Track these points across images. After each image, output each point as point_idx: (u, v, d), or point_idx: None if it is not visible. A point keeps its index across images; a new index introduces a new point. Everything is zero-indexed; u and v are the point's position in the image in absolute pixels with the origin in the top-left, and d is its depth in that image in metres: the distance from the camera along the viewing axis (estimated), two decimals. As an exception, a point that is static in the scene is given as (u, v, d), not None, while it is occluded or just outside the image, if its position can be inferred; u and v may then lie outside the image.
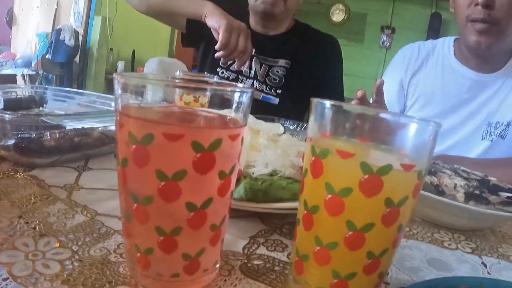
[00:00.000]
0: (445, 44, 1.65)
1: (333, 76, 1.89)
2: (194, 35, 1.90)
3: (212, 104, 0.45)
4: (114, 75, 0.42)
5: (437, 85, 1.60)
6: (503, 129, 1.51)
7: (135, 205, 0.42)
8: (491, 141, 1.52)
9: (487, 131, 1.53)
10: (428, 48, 1.68)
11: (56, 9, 5.83)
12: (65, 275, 0.45)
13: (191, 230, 0.42)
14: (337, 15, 6.48)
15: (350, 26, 6.39)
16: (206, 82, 0.50)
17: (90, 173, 0.81)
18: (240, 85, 0.45)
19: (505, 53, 1.51)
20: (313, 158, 0.44)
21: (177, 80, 0.46)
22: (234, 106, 0.44)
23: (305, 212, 0.46)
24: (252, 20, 1.91)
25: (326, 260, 0.44)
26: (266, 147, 0.74)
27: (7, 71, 5.44)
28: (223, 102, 0.44)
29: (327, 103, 0.43)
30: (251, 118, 0.83)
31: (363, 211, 0.41)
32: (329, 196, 0.42)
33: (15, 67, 5.53)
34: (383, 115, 0.44)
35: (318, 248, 0.44)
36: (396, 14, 6.10)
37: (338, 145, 0.43)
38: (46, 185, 0.71)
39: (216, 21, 1.48)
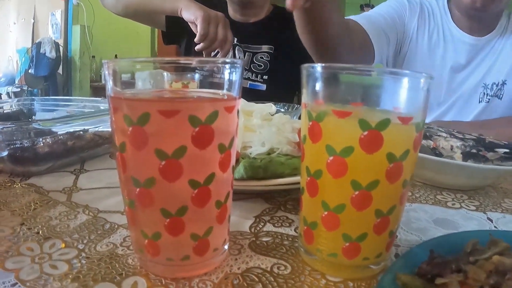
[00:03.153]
0: (440, 5, 1.63)
1: None
2: (174, 32, 1.89)
3: (202, 86, 0.45)
4: (103, 61, 0.42)
5: (439, 49, 1.59)
6: (498, 89, 1.52)
7: (138, 189, 0.41)
8: (487, 101, 1.54)
9: (484, 93, 1.54)
10: (427, 6, 1.64)
11: (34, 22, 5.83)
12: (74, 273, 0.45)
13: (197, 208, 0.42)
14: (316, -3, 6.49)
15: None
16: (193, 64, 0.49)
17: (87, 175, 0.81)
18: (229, 59, 0.44)
19: (496, 15, 1.52)
20: (310, 123, 0.44)
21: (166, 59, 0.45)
22: (227, 79, 0.44)
23: (309, 178, 0.45)
24: (230, 9, 1.91)
25: (335, 224, 0.44)
26: (261, 127, 0.74)
27: (-10, 91, 5.44)
28: (212, 84, 0.44)
29: (318, 66, 0.43)
30: (242, 101, 0.83)
31: (367, 169, 0.41)
32: (331, 158, 0.42)
33: (-2, 87, 5.52)
34: (374, 75, 0.44)
35: (326, 213, 0.44)
36: (374, -9, 6.12)
37: (335, 105, 0.43)
38: (44, 191, 0.71)
39: (192, 13, 1.47)
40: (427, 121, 1.50)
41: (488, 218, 0.67)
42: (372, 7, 5.92)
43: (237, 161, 0.65)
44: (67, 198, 0.68)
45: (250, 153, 0.69)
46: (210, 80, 0.45)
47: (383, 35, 1.52)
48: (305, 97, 0.46)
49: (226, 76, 0.44)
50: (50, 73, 5.30)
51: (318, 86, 0.44)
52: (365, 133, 0.40)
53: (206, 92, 0.45)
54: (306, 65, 0.45)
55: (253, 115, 0.76)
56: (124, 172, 0.43)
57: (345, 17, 1.46)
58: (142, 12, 1.76)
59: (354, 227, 0.44)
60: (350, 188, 0.42)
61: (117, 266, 0.47)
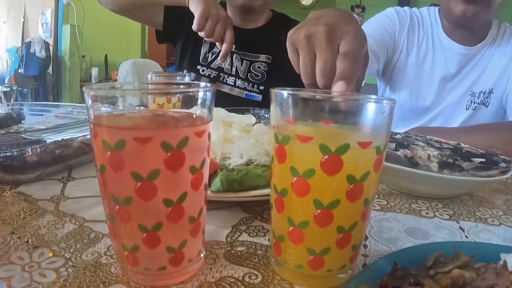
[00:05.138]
0: (431, 15, 1.65)
1: None
2: (171, 30, 1.85)
3: (182, 102, 0.48)
4: (84, 88, 0.45)
5: (428, 59, 1.62)
6: (485, 97, 1.56)
7: (117, 206, 0.45)
8: (474, 109, 1.57)
9: (471, 100, 1.57)
10: (417, 16, 1.67)
11: (24, 21, 5.80)
12: (61, 281, 0.48)
13: (171, 224, 0.45)
14: (307, -2, 6.51)
15: (320, 8, 6.39)
16: (174, 85, 0.54)
17: (74, 183, 0.83)
18: (202, 83, 0.48)
19: (485, 25, 1.55)
20: (277, 145, 0.47)
21: (149, 85, 0.49)
22: (199, 103, 0.47)
23: (276, 196, 0.49)
24: (229, 13, 1.81)
25: (300, 239, 0.47)
26: (240, 138, 0.76)
27: (-20, 91, 5.43)
28: (191, 101, 0.47)
29: (285, 92, 0.47)
30: (223, 112, 0.86)
31: (328, 189, 0.44)
32: (295, 178, 0.45)
33: (-13, 86, 5.50)
34: (339, 99, 0.47)
35: (292, 228, 0.47)
36: (365, -8, 6.14)
37: (298, 130, 0.46)
38: (33, 199, 0.73)
39: (194, 6, 1.40)
40: (415, 126, 1.54)
41: (460, 227, 0.70)
42: (363, 8, 5.90)
43: (215, 173, 0.68)
44: (55, 207, 0.70)
45: (229, 164, 0.72)
46: (187, 96, 0.48)
47: (370, 54, 1.53)
48: (273, 119, 0.49)
49: (200, 96, 0.47)
50: (40, 72, 5.29)
51: (287, 110, 0.47)
52: (326, 157, 0.43)
53: (182, 114, 0.49)
54: (274, 90, 0.48)
55: (232, 127, 0.79)
56: (104, 191, 0.46)
57: None
58: (143, 4, 1.68)
59: (318, 242, 0.47)
60: (312, 207, 0.45)
61: (101, 274, 0.50)
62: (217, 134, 0.75)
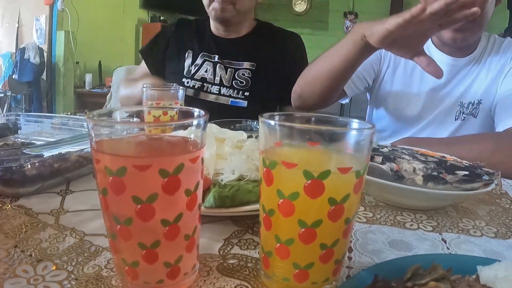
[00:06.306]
0: None
1: (298, 74, 1.67)
2: (156, 63, 2.00)
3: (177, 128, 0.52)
4: (85, 117, 0.49)
5: (417, 71, 1.65)
6: (474, 108, 1.59)
7: (118, 226, 0.49)
8: (463, 119, 1.61)
9: (460, 111, 1.61)
10: None
11: (18, 27, 5.78)
12: (66, 294, 0.51)
13: (168, 242, 0.49)
14: (300, 5, 6.56)
15: (314, 15, 6.46)
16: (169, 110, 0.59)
17: (73, 196, 0.86)
18: (196, 110, 0.52)
19: (476, 40, 1.59)
20: (265, 169, 0.51)
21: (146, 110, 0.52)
22: (193, 129, 0.51)
23: (264, 215, 0.53)
24: (212, 25, 1.95)
25: (286, 254, 0.51)
26: (232, 155, 0.80)
27: (-26, 96, 5.43)
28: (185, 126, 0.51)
29: (272, 122, 0.50)
30: (215, 128, 0.90)
31: (311, 211, 0.48)
32: (281, 200, 0.49)
33: (-19, 92, 5.49)
34: (322, 127, 0.51)
35: (278, 245, 0.51)
36: (358, -1, 6.19)
37: (284, 156, 0.50)
38: (34, 213, 0.76)
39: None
40: (405, 136, 1.58)
41: (443, 239, 0.73)
42: (356, 15, 5.92)
43: (208, 189, 0.72)
44: (55, 221, 0.73)
45: (222, 180, 0.76)
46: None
47: (355, 77, 1.61)
48: (262, 144, 0.53)
49: (194, 123, 0.51)
50: (34, 78, 5.27)
51: (275, 134, 0.51)
52: (309, 181, 0.47)
53: (177, 139, 0.53)
54: (262, 118, 0.52)
55: (225, 143, 0.83)
56: (106, 211, 0.50)
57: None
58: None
59: (302, 257, 0.51)
60: (297, 226, 0.49)
61: (102, 287, 0.53)
62: (210, 151, 0.78)
